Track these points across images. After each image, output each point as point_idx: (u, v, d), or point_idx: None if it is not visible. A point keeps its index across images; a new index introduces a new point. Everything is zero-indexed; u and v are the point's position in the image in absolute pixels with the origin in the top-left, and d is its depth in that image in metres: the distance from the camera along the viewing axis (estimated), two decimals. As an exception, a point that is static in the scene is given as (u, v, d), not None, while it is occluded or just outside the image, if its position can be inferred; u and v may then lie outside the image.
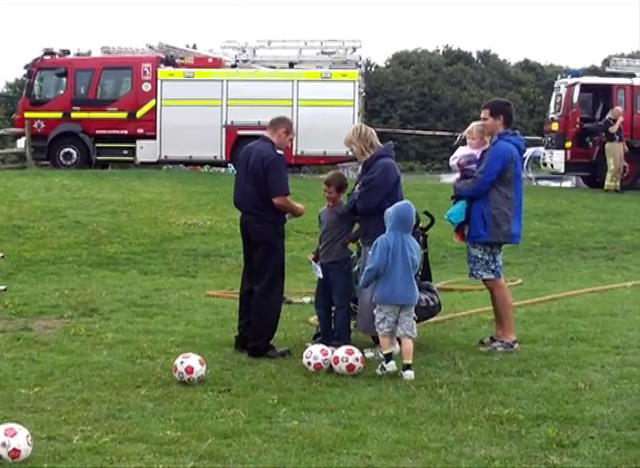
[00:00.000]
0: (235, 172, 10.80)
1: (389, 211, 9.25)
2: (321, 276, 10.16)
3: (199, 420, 7.35)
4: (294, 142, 28.32)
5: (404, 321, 9.11)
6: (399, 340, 9.19)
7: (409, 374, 8.86)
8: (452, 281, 15.31)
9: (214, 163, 30.71)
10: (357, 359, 8.97)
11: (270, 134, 10.12)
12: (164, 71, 29.62)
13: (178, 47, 33.47)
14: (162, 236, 19.22)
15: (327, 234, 10.19)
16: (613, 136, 27.36)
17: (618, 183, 27.54)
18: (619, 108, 28.21)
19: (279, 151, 9.97)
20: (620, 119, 27.51)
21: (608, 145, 27.54)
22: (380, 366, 9.13)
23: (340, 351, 9.04)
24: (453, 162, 10.68)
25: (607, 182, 27.59)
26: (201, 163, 31.49)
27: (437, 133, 53.13)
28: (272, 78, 29.81)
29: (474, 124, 10.74)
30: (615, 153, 27.45)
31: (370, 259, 9.24)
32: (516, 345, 10.13)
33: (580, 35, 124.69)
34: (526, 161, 34.15)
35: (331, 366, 9.01)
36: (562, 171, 30.18)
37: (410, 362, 8.97)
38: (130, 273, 16.54)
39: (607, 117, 28.02)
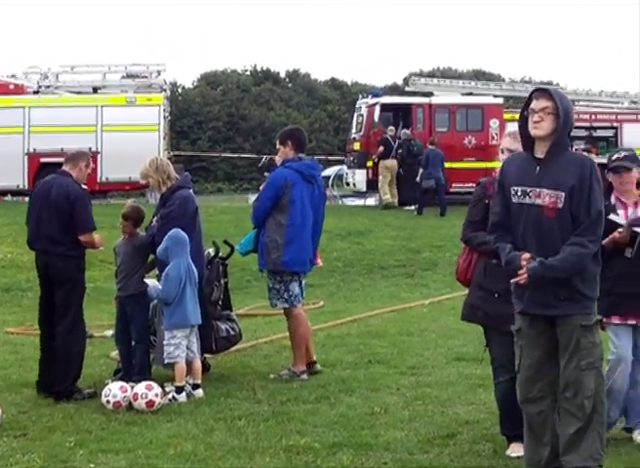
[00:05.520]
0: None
1: (165, 246, 9.45)
2: None
3: (-8, 469, 7.19)
4: (98, 168, 28.14)
5: (192, 343, 9.52)
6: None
7: (199, 393, 9.37)
8: (254, 306, 15.41)
9: (16, 192, 29.96)
10: (157, 394, 8.94)
11: (70, 168, 9.90)
12: (-37, 98, 28.78)
13: (-23, 73, 32.62)
14: (-41, 270, 18.67)
15: (123, 267, 10.10)
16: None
17: (395, 200, 28.69)
18: (406, 131, 29.56)
19: (83, 186, 9.85)
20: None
21: (386, 162, 28.51)
22: (171, 396, 9.25)
23: (140, 387, 9.00)
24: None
25: (383, 197, 28.72)
26: (3, 192, 30.67)
27: (243, 155, 53.64)
28: (75, 103, 29.46)
29: None
30: (391, 170, 28.49)
31: (161, 290, 9.49)
32: (303, 375, 10.21)
33: (383, 53, 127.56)
34: (331, 179, 34.83)
35: (130, 402, 8.96)
36: (364, 189, 30.94)
37: (199, 381, 9.45)
38: None
39: (403, 137, 28.97)
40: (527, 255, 6.17)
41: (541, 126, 6.20)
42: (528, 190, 6.23)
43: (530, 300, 6.26)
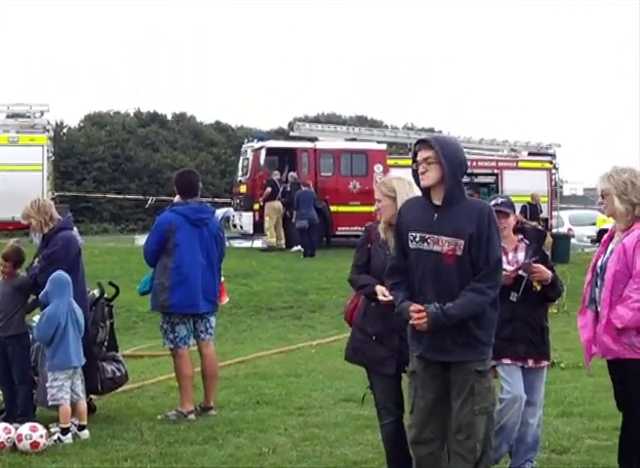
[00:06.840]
0: None
1: (46, 290, 9.36)
2: None
3: None
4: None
5: (76, 384, 9.36)
6: None
7: (85, 434, 9.26)
8: (142, 347, 15.31)
9: None
10: (41, 436, 8.79)
11: None
12: None
13: None
14: None
15: (2, 307, 9.91)
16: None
17: (282, 242, 29.07)
18: (293, 174, 30.06)
19: None
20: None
21: (273, 204, 28.90)
22: (56, 437, 9.09)
23: (24, 428, 8.84)
24: None
25: (269, 239, 29.09)
26: None
27: (129, 196, 53.43)
28: (-43, 143, 29.07)
29: None
30: (274, 211, 28.86)
31: (36, 330, 9.41)
32: (191, 416, 10.14)
33: (267, 97, 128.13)
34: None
35: (15, 444, 8.78)
36: (251, 232, 30.97)
37: (85, 423, 9.34)
38: None
39: (291, 180, 29.44)
40: (415, 307, 6.14)
41: (427, 176, 6.23)
42: (426, 236, 6.21)
43: (427, 345, 6.25)
